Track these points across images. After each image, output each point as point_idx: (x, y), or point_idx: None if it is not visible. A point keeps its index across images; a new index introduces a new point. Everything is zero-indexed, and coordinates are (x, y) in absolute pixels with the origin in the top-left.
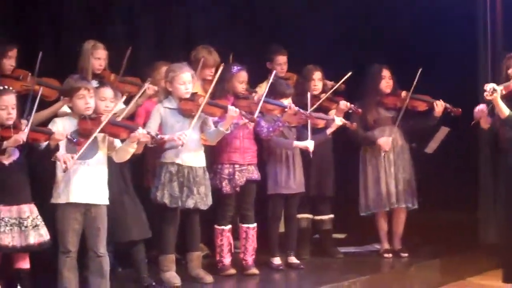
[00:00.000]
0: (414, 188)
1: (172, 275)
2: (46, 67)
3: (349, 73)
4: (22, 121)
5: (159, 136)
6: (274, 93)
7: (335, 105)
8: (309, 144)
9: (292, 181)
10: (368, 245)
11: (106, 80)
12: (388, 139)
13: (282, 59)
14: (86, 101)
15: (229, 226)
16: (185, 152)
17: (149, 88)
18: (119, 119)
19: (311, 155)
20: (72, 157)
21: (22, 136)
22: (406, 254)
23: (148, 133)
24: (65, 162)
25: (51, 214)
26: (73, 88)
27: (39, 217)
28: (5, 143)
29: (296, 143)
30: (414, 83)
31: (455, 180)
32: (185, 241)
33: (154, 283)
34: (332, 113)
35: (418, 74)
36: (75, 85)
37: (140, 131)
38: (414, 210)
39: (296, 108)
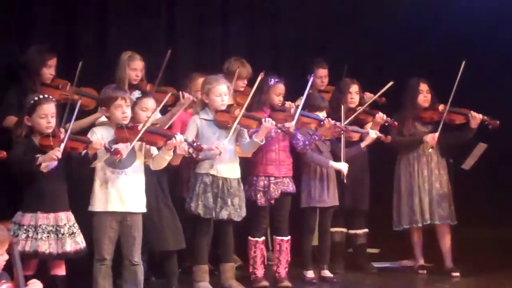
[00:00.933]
0: (451, 204)
1: (205, 286)
2: (86, 77)
3: (388, 85)
4: (61, 130)
5: (195, 144)
6: (309, 106)
7: (372, 118)
8: (344, 167)
9: (326, 194)
10: (402, 260)
11: (143, 90)
12: (434, 135)
13: (322, 72)
14: (123, 110)
15: (263, 238)
16: (220, 163)
17: (185, 97)
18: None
19: (345, 180)
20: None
21: (57, 154)
22: (457, 274)
23: (185, 140)
24: (120, 155)
25: (88, 222)
26: (110, 98)
27: (75, 224)
28: (40, 159)
29: (332, 164)
30: (452, 95)
31: (498, 195)
32: (219, 252)
33: None
34: (369, 126)
35: (456, 84)
36: (112, 95)
37: (178, 137)
38: (454, 226)
39: (333, 122)
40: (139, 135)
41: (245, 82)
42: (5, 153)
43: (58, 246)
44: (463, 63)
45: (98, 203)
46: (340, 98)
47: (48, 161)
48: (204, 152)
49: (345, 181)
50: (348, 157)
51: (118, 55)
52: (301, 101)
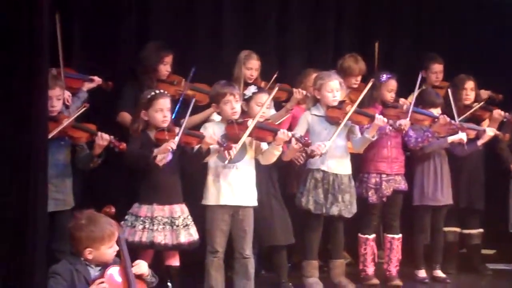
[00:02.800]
0: None
1: (314, 281)
2: (201, 73)
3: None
4: (175, 125)
5: (303, 139)
6: (423, 102)
7: (489, 114)
8: (463, 135)
9: (440, 192)
10: None
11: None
12: None
13: (438, 67)
14: (232, 106)
15: (373, 235)
16: (330, 159)
17: (297, 92)
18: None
19: (466, 147)
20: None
21: (172, 145)
22: None
23: (293, 135)
24: (229, 154)
25: (201, 215)
26: (220, 94)
27: (189, 217)
28: (155, 151)
29: (451, 138)
30: None
31: None
32: (329, 248)
33: (292, 287)
34: (485, 123)
35: None
36: (221, 91)
37: (285, 133)
38: None
39: (447, 119)
40: (249, 130)
41: (358, 79)
42: (124, 144)
43: (173, 238)
44: None
45: (211, 197)
46: (455, 93)
47: (163, 153)
48: (312, 148)
49: (465, 147)
50: (464, 155)
51: (233, 52)
52: (413, 98)
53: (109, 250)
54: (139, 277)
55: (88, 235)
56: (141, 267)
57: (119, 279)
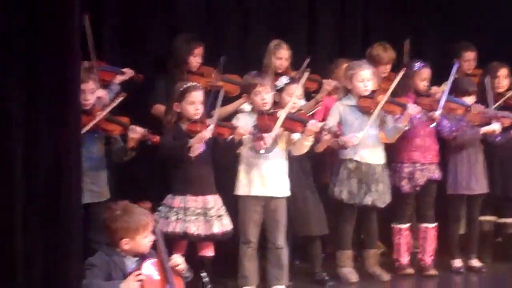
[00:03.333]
0: None
1: (349, 271)
2: (231, 64)
3: None
4: (208, 116)
5: (333, 129)
6: (456, 91)
7: None
8: (496, 126)
9: (474, 181)
10: None
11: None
12: None
13: (470, 55)
14: (263, 97)
15: (408, 225)
16: (363, 149)
17: (328, 83)
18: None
19: (499, 137)
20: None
21: (206, 134)
22: None
23: (322, 126)
24: (264, 143)
25: (235, 205)
26: (250, 85)
27: (223, 207)
28: (190, 141)
29: (484, 129)
30: None
31: None
32: (363, 238)
33: (327, 278)
34: None
35: None
36: (252, 82)
37: (315, 124)
38: None
39: (481, 108)
40: (280, 121)
41: (388, 67)
42: (158, 137)
43: (206, 228)
44: None
45: (242, 187)
46: (487, 82)
47: (198, 142)
48: (343, 139)
49: (499, 138)
50: (498, 144)
51: (263, 42)
52: (446, 86)
53: (144, 240)
54: (175, 270)
55: (123, 225)
56: (178, 260)
57: (156, 271)
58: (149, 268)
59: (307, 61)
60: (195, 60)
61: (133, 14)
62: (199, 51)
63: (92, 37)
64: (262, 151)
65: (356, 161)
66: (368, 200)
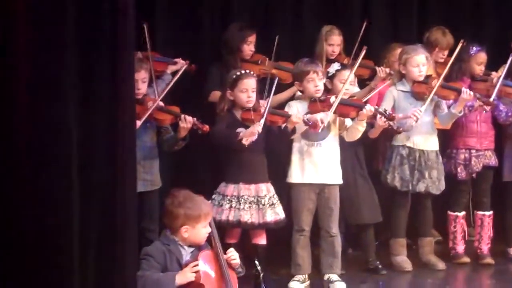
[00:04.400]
0: None
1: (403, 259)
2: (284, 51)
3: None
4: (261, 103)
5: (387, 113)
6: None
7: None
8: None
9: None
10: None
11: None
12: None
13: None
14: (315, 83)
15: (463, 213)
16: (416, 135)
17: (381, 70)
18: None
19: None
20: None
21: (258, 128)
22: None
23: (376, 109)
24: (322, 122)
25: (287, 193)
26: (303, 72)
27: (275, 195)
28: (241, 134)
29: None
30: None
31: None
32: (417, 225)
33: (380, 266)
34: None
35: None
36: (304, 69)
37: (368, 107)
38: None
39: None
40: (334, 107)
41: (445, 53)
42: (207, 126)
43: (259, 216)
44: None
45: (295, 175)
46: None
47: (249, 136)
48: (400, 122)
49: None
50: None
51: (315, 28)
52: (503, 71)
53: (203, 230)
54: (230, 264)
55: (186, 212)
56: (234, 254)
57: (212, 263)
58: (205, 259)
59: (364, 50)
60: (248, 48)
61: (187, 2)
62: (252, 38)
63: (147, 28)
64: (320, 130)
65: (409, 147)
66: (421, 187)
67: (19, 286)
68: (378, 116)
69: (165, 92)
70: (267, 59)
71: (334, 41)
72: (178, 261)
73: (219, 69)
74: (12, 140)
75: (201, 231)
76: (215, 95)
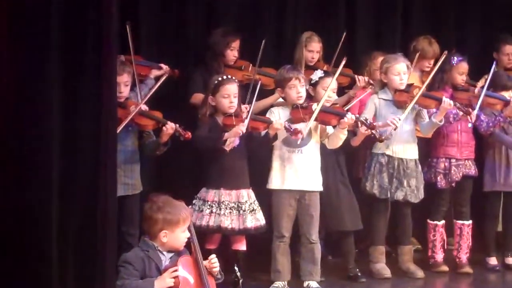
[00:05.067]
0: None
1: (382, 267)
2: (267, 57)
3: None
4: (243, 110)
5: (368, 122)
6: (494, 85)
7: None
8: None
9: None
10: None
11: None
12: None
13: (510, 49)
14: (298, 90)
15: (443, 222)
16: (396, 144)
17: (360, 79)
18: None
19: None
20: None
21: (242, 128)
22: None
23: (357, 118)
24: (301, 133)
25: (268, 200)
26: (285, 78)
27: (256, 202)
28: (226, 135)
29: None
30: None
31: None
32: (397, 234)
33: (359, 273)
34: None
35: None
36: (287, 76)
37: (349, 116)
38: None
39: None
40: (315, 114)
41: (431, 62)
42: (190, 133)
43: (240, 222)
44: None
45: (276, 181)
46: None
47: (233, 136)
48: (380, 130)
49: None
50: None
51: (296, 35)
52: (485, 81)
53: (182, 234)
54: (209, 270)
55: (165, 217)
56: (214, 260)
57: (191, 268)
58: (184, 265)
59: (343, 62)
60: (232, 53)
61: (169, 5)
62: (236, 44)
63: (130, 31)
64: (298, 142)
65: (388, 156)
66: (399, 195)
67: None
68: (359, 124)
69: (147, 96)
70: (250, 65)
71: (313, 48)
72: (157, 267)
73: (203, 74)
74: None
75: (180, 236)
76: (198, 97)
